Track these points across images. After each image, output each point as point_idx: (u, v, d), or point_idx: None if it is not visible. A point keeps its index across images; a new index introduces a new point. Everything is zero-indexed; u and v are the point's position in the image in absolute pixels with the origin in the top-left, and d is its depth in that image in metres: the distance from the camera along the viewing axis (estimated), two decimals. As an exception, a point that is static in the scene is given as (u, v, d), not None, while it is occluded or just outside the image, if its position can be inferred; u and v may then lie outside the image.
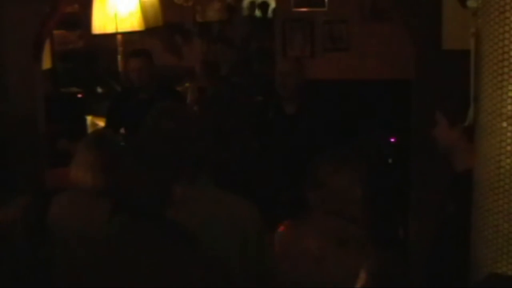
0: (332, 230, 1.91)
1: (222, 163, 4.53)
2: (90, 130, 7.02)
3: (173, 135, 2.42)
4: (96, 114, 7.20)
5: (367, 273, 1.91)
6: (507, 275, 2.27)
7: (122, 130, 5.26)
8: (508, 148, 2.25)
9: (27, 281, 2.93)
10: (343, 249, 1.86)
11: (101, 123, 6.92)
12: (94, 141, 3.15)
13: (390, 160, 6.07)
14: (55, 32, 7.72)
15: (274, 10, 8.91)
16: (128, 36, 6.65)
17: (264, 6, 11.09)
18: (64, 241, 2.91)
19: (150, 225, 2.16)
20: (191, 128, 2.47)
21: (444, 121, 3.01)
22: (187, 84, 7.82)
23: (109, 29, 5.91)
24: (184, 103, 6.74)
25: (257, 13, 11.23)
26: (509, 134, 2.24)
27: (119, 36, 6.56)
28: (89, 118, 7.21)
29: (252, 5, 11.24)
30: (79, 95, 7.53)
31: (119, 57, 6.83)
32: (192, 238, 2.22)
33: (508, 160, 2.25)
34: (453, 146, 2.99)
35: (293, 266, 1.86)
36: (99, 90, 8.57)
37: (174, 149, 2.41)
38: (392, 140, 6.43)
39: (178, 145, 2.41)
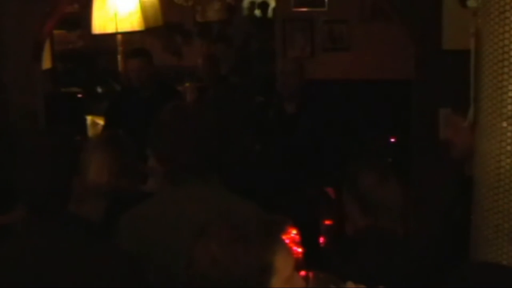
0: (225, 225, 1.76)
1: (223, 163, 4.52)
2: (90, 130, 7.02)
3: (185, 134, 2.42)
4: (96, 114, 7.20)
5: (290, 262, 1.74)
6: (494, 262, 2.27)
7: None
8: (508, 148, 2.25)
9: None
10: (237, 243, 1.69)
11: (101, 122, 6.92)
12: (108, 142, 3.13)
13: (389, 160, 6.07)
14: (55, 32, 7.71)
15: (274, 10, 8.92)
16: (128, 36, 6.65)
17: (264, 6, 11.09)
18: None
19: (51, 221, 2.14)
20: (204, 127, 2.47)
21: (464, 125, 2.91)
22: (187, 84, 7.82)
23: (109, 29, 5.90)
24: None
25: (257, 13, 11.23)
26: (509, 134, 2.24)
27: (119, 36, 6.56)
28: (89, 118, 7.21)
29: (252, 5, 11.24)
30: (79, 95, 7.53)
31: (119, 57, 6.83)
32: (98, 233, 2.20)
33: (508, 160, 2.25)
34: (470, 152, 2.88)
35: (196, 270, 1.72)
36: (99, 90, 8.57)
37: (185, 147, 2.40)
38: (392, 140, 6.43)
39: (190, 144, 2.41)
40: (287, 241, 1.80)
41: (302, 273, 2.01)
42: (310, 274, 2.13)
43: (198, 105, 5.10)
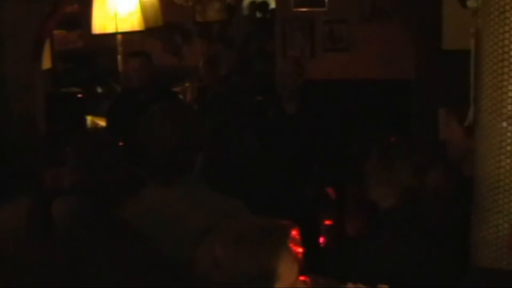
0: (230, 228, 1.76)
1: (222, 163, 4.53)
2: (90, 130, 7.02)
3: (170, 135, 2.40)
4: (96, 114, 7.20)
5: (294, 268, 1.73)
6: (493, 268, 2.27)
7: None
8: (508, 148, 2.25)
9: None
10: (242, 246, 1.68)
11: (101, 122, 6.92)
12: (88, 141, 3.15)
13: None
14: (55, 32, 7.71)
15: (274, 10, 8.92)
16: (128, 36, 6.66)
17: (264, 6, 11.09)
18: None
19: (95, 222, 2.13)
20: (189, 127, 2.45)
21: (459, 127, 2.91)
22: (187, 84, 7.83)
23: (109, 29, 5.89)
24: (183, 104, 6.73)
25: (257, 13, 11.23)
26: (509, 134, 2.24)
27: (119, 36, 6.56)
28: (89, 118, 7.22)
29: (252, 5, 11.24)
30: (79, 95, 7.53)
31: (119, 57, 6.84)
32: (138, 238, 2.17)
33: (508, 160, 2.25)
34: (466, 152, 2.88)
35: (198, 271, 1.71)
36: (99, 90, 8.57)
37: (170, 148, 2.38)
38: (392, 140, 6.41)
39: (174, 144, 2.39)
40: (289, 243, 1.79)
41: (302, 277, 2.00)
42: (310, 279, 2.12)
43: (185, 106, 5.07)
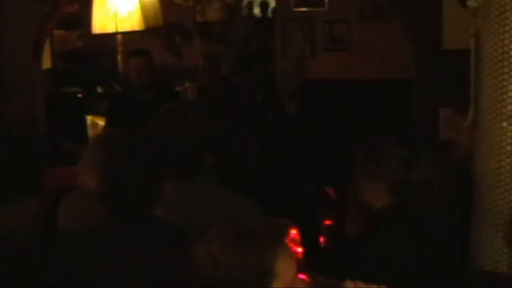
0: (227, 226, 1.75)
1: (222, 163, 4.53)
2: (90, 130, 7.01)
3: (179, 134, 2.40)
4: (96, 114, 7.19)
5: (292, 267, 1.72)
6: (491, 271, 2.27)
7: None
8: (508, 148, 2.25)
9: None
10: (239, 245, 1.68)
11: (101, 122, 6.91)
12: (102, 141, 3.13)
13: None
14: (55, 32, 7.71)
15: (274, 10, 8.92)
16: (128, 36, 6.65)
17: (264, 6, 11.09)
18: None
19: (135, 223, 2.13)
20: (197, 126, 2.45)
21: (464, 124, 2.91)
22: (187, 84, 7.82)
23: (109, 29, 5.90)
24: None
25: (256, 12, 11.24)
26: (509, 134, 2.24)
27: (119, 36, 6.55)
28: (89, 118, 7.21)
29: (251, 4, 11.25)
30: (79, 95, 7.53)
31: (119, 57, 6.83)
32: (180, 238, 2.15)
33: (508, 160, 2.25)
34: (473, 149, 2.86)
35: (196, 271, 1.71)
36: (99, 90, 8.57)
37: (166, 146, 2.38)
38: (392, 140, 6.42)
39: (172, 142, 2.39)
40: (287, 242, 1.79)
41: (301, 276, 2.00)
42: (309, 277, 2.11)
43: (191, 104, 5.06)
